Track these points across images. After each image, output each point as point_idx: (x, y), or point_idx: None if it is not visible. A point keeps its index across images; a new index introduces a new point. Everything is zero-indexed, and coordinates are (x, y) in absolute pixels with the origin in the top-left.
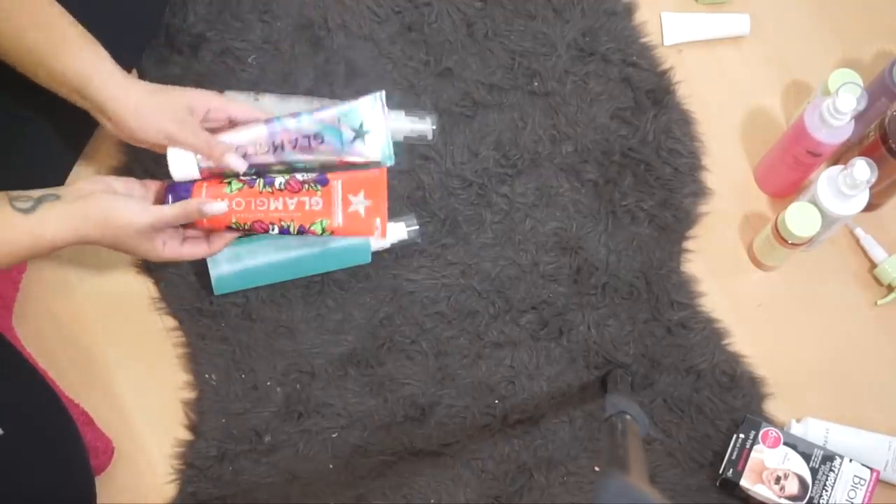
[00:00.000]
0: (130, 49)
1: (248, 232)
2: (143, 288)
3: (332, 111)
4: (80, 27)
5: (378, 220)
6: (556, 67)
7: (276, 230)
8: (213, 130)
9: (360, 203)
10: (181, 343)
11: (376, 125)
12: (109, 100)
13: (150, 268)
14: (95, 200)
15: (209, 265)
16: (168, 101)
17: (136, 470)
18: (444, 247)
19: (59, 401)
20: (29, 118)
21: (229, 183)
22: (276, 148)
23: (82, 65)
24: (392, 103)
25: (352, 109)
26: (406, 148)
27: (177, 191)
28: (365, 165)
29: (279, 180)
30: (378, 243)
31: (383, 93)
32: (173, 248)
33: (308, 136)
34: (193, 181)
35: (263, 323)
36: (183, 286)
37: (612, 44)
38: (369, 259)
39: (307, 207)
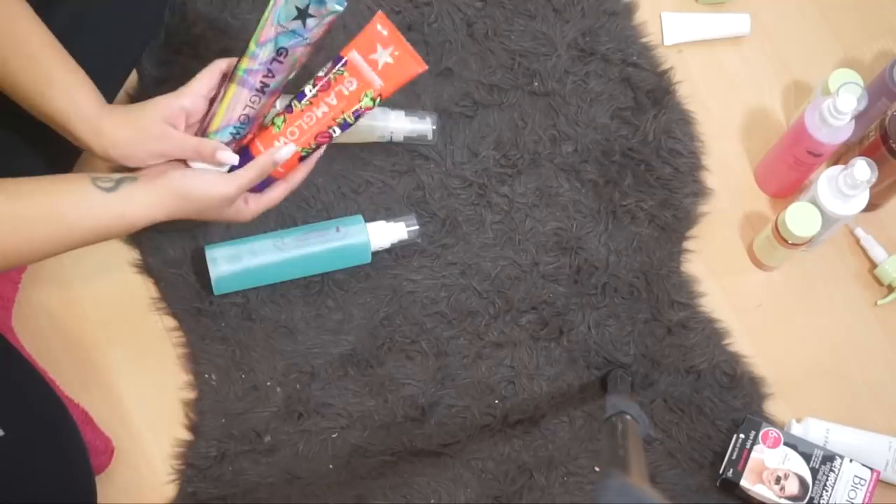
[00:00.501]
0: (130, 49)
1: (315, 150)
2: (143, 288)
3: (265, 27)
4: (66, 59)
5: (409, 57)
6: (556, 67)
7: (338, 131)
8: (206, 122)
9: (383, 55)
10: (181, 343)
11: None
12: (91, 141)
13: (150, 268)
14: (174, 178)
15: (209, 265)
16: (142, 124)
17: (136, 470)
18: (444, 247)
19: (59, 401)
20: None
21: (273, 123)
22: (262, 90)
23: (63, 106)
24: (392, 103)
25: (280, 9)
26: (406, 148)
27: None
28: (334, 24)
29: (307, 88)
30: (378, 242)
31: None
32: (257, 203)
33: (272, 60)
34: (242, 148)
35: (263, 323)
36: (183, 286)
37: (613, 44)
38: (369, 259)
39: (346, 92)
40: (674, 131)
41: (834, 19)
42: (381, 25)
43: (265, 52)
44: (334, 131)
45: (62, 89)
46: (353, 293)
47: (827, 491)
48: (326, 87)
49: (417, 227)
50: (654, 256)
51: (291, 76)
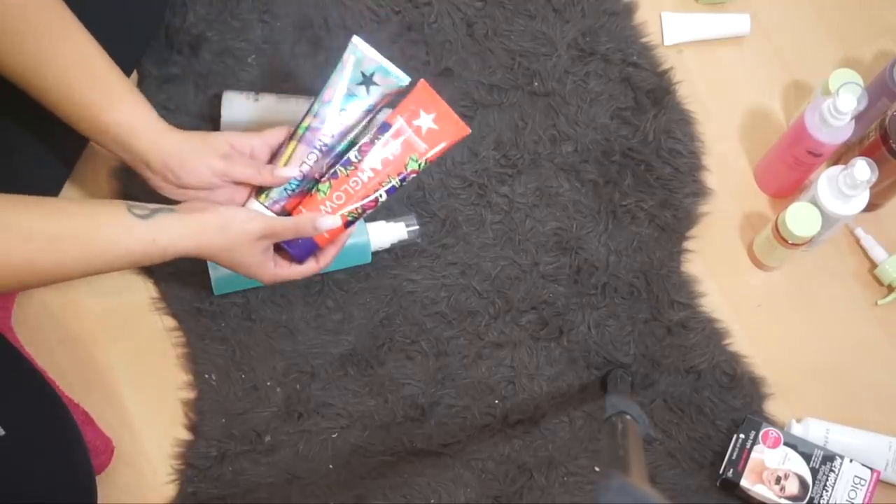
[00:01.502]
0: (130, 49)
1: (361, 216)
2: (143, 288)
3: (330, 87)
4: (125, 78)
5: (452, 122)
6: (556, 67)
7: (384, 196)
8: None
9: (426, 121)
10: (181, 343)
11: (371, 63)
12: (151, 150)
13: (150, 268)
14: (212, 210)
15: (209, 265)
16: (208, 141)
17: (136, 470)
18: (444, 247)
19: (59, 400)
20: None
21: (318, 190)
22: (321, 150)
23: (128, 119)
24: (392, 103)
25: (346, 69)
26: None
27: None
28: (394, 97)
29: (352, 153)
30: (378, 242)
31: (354, 36)
32: (286, 270)
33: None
34: (285, 213)
35: (263, 323)
36: (183, 286)
37: (613, 44)
38: (369, 259)
39: (392, 157)
40: (674, 131)
41: (834, 19)
42: (424, 94)
43: (329, 112)
44: (381, 197)
45: (131, 101)
46: (354, 293)
47: (827, 491)
48: (372, 153)
49: (417, 227)
50: (654, 256)
51: (350, 142)
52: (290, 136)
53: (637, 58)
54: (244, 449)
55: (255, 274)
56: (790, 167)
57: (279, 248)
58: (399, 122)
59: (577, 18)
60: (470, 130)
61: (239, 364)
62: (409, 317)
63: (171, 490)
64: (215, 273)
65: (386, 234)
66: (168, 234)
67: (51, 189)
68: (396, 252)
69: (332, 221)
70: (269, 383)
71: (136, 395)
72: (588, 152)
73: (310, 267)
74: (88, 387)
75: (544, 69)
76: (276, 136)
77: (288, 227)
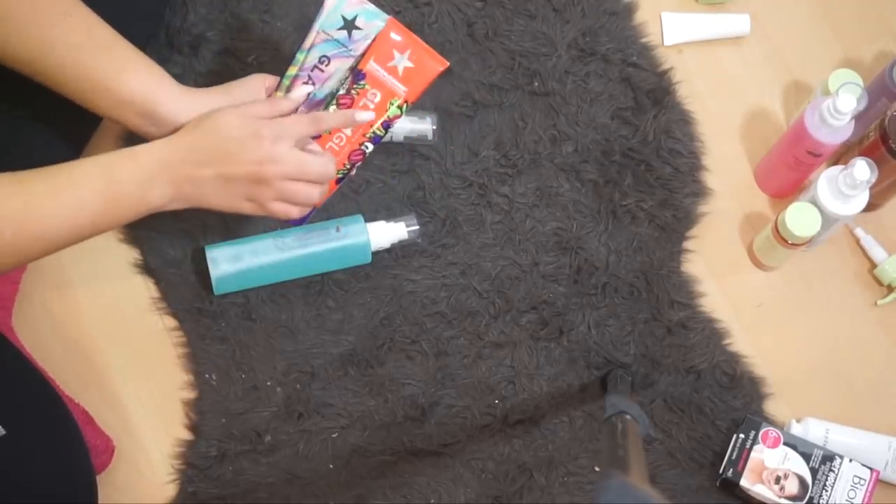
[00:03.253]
0: None
1: (350, 170)
2: (143, 288)
3: (312, 34)
4: (132, 46)
5: (429, 56)
6: (556, 67)
7: (370, 146)
8: None
9: (402, 61)
10: (181, 343)
11: (355, 7)
12: (180, 112)
13: (150, 268)
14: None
15: (209, 265)
16: (236, 97)
17: (136, 470)
18: (445, 247)
19: (59, 400)
20: (27, 121)
21: None
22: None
23: (147, 85)
24: None
25: (327, 16)
26: (406, 148)
27: None
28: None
29: (331, 109)
30: (378, 242)
31: None
32: (291, 150)
33: (315, 67)
34: None
35: (263, 323)
36: (183, 286)
37: (613, 44)
38: (369, 259)
39: (372, 105)
40: (674, 131)
41: (834, 19)
42: (394, 32)
43: (307, 59)
44: (366, 147)
45: (145, 67)
46: (354, 293)
47: (827, 491)
48: (350, 104)
49: (417, 227)
50: (654, 256)
51: (331, 89)
52: (277, 87)
53: (637, 58)
54: (244, 449)
55: (256, 164)
56: (790, 167)
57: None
58: (373, 67)
59: (577, 18)
60: (448, 63)
61: (239, 364)
62: (409, 317)
63: (171, 490)
64: (215, 273)
65: (386, 234)
66: (145, 150)
67: None
68: (396, 252)
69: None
70: (269, 383)
71: (136, 395)
72: (588, 152)
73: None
74: (88, 386)
75: (544, 69)
76: (270, 79)
77: (264, 104)
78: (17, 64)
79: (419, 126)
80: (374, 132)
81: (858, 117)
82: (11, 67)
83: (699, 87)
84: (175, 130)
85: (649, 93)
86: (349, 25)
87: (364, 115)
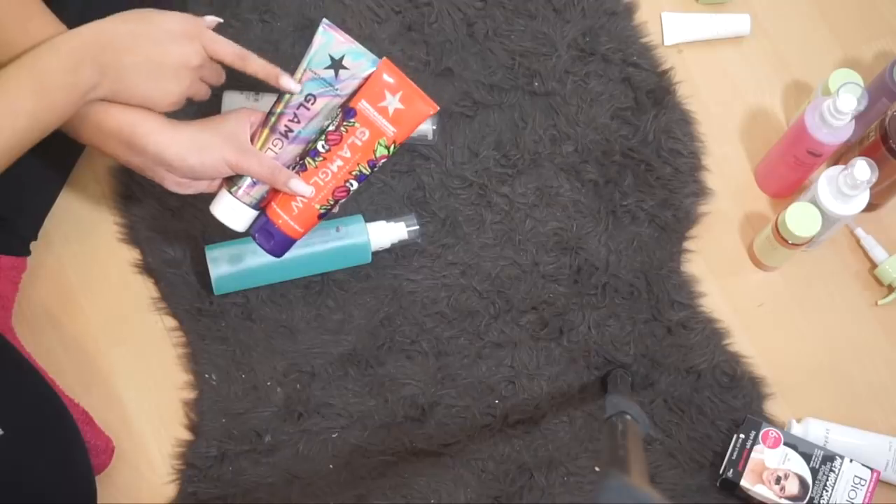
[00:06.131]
0: None
1: (334, 207)
2: (143, 288)
3: (299, 72)
4: None
5: (419, 100)
6: (556, 67)
7: (355, 184)
8: None
9: (393, 102)
10: (181, 343)
11: (343, 47)
12: (164, 144)
13: (150, 268)
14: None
15: (209, 265)
16: (221, 132)
17: (136, 470)
18: (445, 247)
19: (59, 400)
20: None
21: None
22: (285, 134)
23: (132, 117)
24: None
25: (314, 53)
26: (406, 148)
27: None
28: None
29: (320, 145)
30: (378, 242)
31: (323, 19)
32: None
33: (300, 105)
34: (262, 210)
35: (263, 323)
36: (183, 286)
37: (613, 44)
38: (369, 259)
39: (360, 143)
40: (674, 131)
41: (834, 19)
42: (387, 74)
43: (293, 97)
44: (351, 185)
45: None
46: (354, 293)
47: (827, 491)
48: (338, 141)
49: (418, 227)
50: (654, 256)
51: (316, 131)
52: (263, 124)
53: (637, 58)
54: (244, 449)
55: (177, 65)
56: (790, 167)
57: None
58: (363, 106)
59: (577, 18)
60: (438, 108)
61: (239, 364)
62: (409, 317)
63: (171, 490)
64: (216, 273)
65: (386, 234)
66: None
67: (50, 189)
68: (396, 252)
69: (307, 188)
70: (269, 383)
71: (136, 395)
72: (588, 152)
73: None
74: (88, 387)
75: (544, 69)
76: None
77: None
78: None
79: (419, 126)
80: (359, 170)
81: (858, 117)
82: None
83: (699, 87)
84: (161, 161)
85: (649, 93)
86: (336, 65)
87: (288, 83)
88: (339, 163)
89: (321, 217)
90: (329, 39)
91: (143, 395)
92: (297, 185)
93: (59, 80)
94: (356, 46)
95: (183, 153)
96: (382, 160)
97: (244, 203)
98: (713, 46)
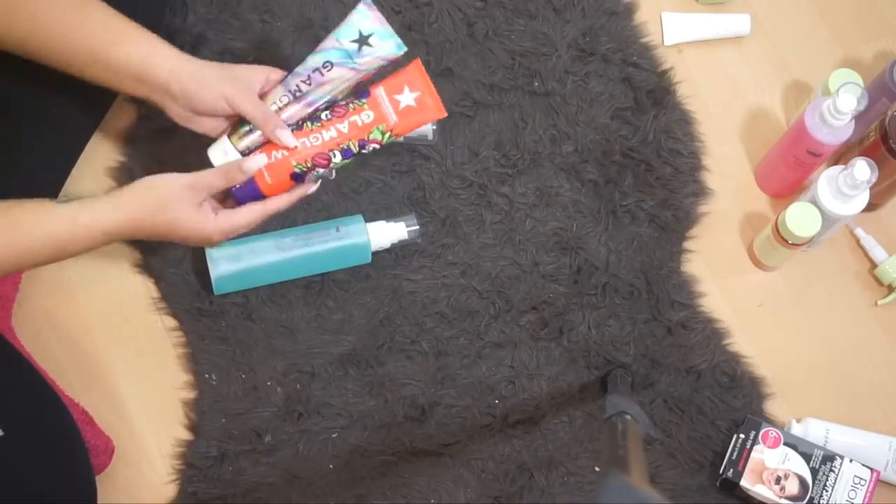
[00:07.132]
0: None
1: (310, 171)
2: (143, 288)
3: (328, 39)
4: (124, 17)
5: (433, 105)
6: (556, 67)
7: (339, 156)
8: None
9: (408, 98)
10: (181, 343)
11: (375, 26)
12: (172, 72)
13: (150, 268)
14: (134, 182)
15: (209, 265)
16: (227, 70)
17: (136, 470)
18: (445, 247)
19: (59, 400)
20: (27, 119)
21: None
22: (294, 94)
23: (142, 49)
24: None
25: (345, 26)
26: (406, 148)
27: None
28: (385, 66)
29: (324, 114)
30: (378, 242)
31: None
32: (228, 218)
33: (316, 69)
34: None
35: (263, 323)
36: (183, 286)
37: (613, 44)
38: (369, 259)
39: (360, 124)
40: (674, 131)
41: (834, 19)
42: (415, 73)
43: (314, 60)
44: (334, 155)
45: (139, 33)
46: (354, 293)
47: (827, 491)
48: (342, 115)
49: (418, 227)
50: (654, 256)
51: (324, 97)
52: (282, 80)
53: (637, 58)
54: (244, 449)
55: (201, 232)
56: (790, 167)
57: (227, 200)
58: (379, 93)
59: (577, 18)
60: (446, 114)
61: (239, 364)
62: (409, 317)
63: (171, 490)
64: (216, 273)
65: (386, 234)
66: (88, 209)
67: (50, 189)
68: (396, 252)
69: (257, 161)
70: (269, 383)
71: (136, 395)
72: (588, 152)
73: (254, 211)
74: (88, 387)
75: (544, 69)
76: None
77: (217, 173)
78: (7, 46)
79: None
80: (349, 145)
81: (858, 117)
82: (6, 50)
83: (699, 87)
84: (170, 95)
85: (649, 93)
86: (362, 40)
87: (254, 162)
88: (334, 134)
89: (294, 177)
90: (364, 16)
91: (143, 395)
92: (284, 134)
93: (83, 249)
94: (387, 28)
95: (187, 80)
96: (373, 144)
97: (236, 148)
98: (713, 46)
